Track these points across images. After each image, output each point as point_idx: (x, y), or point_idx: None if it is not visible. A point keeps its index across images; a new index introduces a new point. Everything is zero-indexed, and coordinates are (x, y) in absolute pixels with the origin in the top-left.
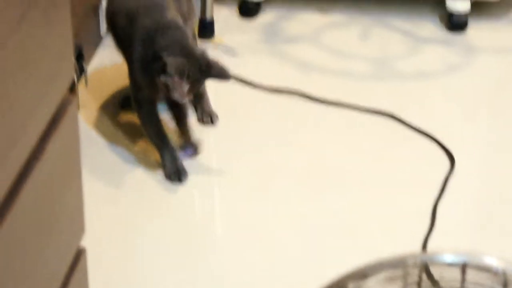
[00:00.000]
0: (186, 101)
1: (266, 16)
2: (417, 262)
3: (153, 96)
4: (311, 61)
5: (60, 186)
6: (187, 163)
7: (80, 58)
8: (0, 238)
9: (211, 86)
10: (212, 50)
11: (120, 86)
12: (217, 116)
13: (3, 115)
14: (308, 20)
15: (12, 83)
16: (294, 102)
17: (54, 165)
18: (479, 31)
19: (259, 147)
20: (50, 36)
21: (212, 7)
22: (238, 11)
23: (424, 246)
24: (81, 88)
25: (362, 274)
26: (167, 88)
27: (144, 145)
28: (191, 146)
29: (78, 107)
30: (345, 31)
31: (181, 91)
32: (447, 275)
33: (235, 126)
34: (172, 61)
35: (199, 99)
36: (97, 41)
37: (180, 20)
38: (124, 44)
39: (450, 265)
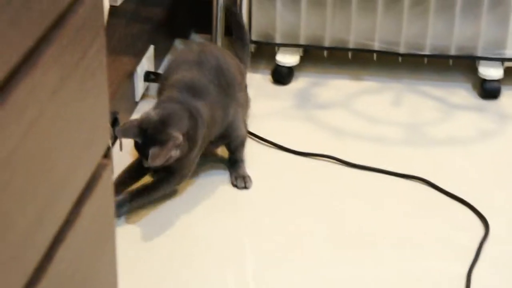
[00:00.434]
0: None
1: (299, 82)
2: None
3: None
4: (344, 126)
5: (94, 250)
6: (213, 230)
7: (115, 124)
8: None
9: (245, 150)
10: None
11: None
12: (251, 181)
13: (41, 181)
14: (341, 86)
15: (49, 149)
16: (326, 167)
17: (89, 229)
18: None
19: (291, 211)
20: (86, 104)
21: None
22: (271, 77)
23: None
24: (115, 152)
25: None
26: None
27: (177, 207)
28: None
29: (112, 172)
30: (377, 97)
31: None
32: None
33: (267, 189)
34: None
35: (233, 164)
36: (132, 106)
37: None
38: None
39: None
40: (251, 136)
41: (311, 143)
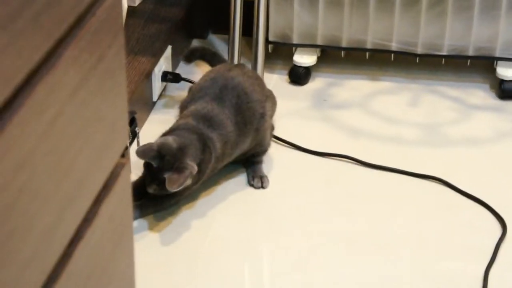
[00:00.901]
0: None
1: (316, 83)
2: None
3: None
4: (361, 127)
5: (111, 250)
6: (229, 231)
7: (133, 123)
8: None
9: None
10: None
11: None
12: (268, 181)
13: (60, 180)
14: (358, 87)
15: (68, 148)
16: (343, 167)
17: (107, 228)
18: None
19: (307, 211)
20: (105, 104)
21: (262, 74)
22: (288, 77)
23: None
24: (133, 151)
25: None
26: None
27: (194, 208)
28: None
29: (130, 171)
30: (394, 98)
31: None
32: None
33: (284, 189)
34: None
35: (251, 164)
36: (149, 106)
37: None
38: None
39: None
40: None
41: (328, 143)
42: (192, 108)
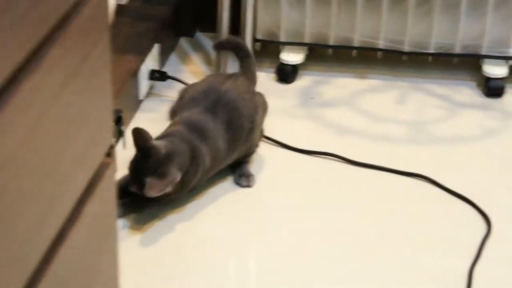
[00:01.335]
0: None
1: (303, 81)
2: None
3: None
4: (348, 125)
5: (96, 250)
6: (216, 229)
7: (119, 122)
8: None
9: None
10: None
11: None
12: (254, 179)
13: (44, 179)
14: (345, 84)
15: (52, 148)
16: (330, 165)
17: (91, 227)
18: None
19: (294, 209)
20: (90, 104)
21: None
22: (275, 75)
23: None
24: (119, 150)
25: None
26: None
27: (180, 208)
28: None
29: (115, 170)
30: (382, 95)
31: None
32: None
33: (270, 187)
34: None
35: (238, 164)
36: (136, 105)
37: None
38: None
39: None
40: None
41: (315, 141)
42: (186, 115)
